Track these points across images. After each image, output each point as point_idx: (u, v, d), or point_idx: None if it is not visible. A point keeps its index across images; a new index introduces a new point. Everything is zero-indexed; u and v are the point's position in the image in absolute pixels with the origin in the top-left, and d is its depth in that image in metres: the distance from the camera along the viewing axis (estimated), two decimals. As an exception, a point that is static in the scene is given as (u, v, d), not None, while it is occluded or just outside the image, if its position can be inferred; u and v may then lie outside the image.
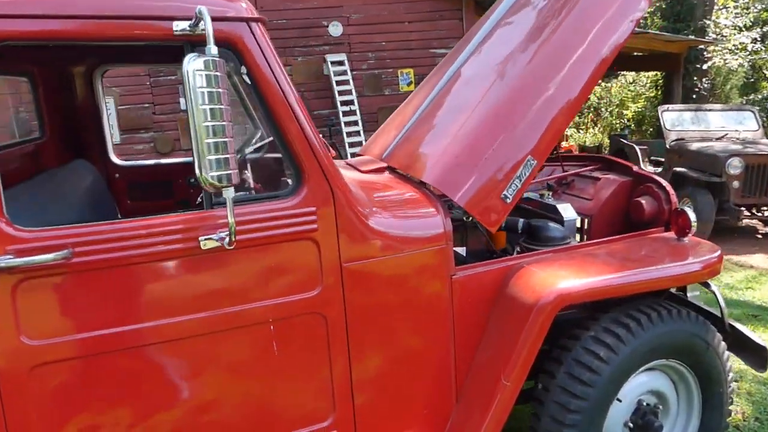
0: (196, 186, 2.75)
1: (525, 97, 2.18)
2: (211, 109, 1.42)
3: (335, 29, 8.72)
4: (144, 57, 3.16)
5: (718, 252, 2.28)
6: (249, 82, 1.76)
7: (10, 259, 1.52)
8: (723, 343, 2.30)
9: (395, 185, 2.31)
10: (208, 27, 1.44)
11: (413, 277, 2.04)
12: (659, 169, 7.73)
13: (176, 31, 1.61)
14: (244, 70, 1.75)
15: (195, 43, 1.62)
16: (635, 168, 2.81)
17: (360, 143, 8.60)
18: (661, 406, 2.29)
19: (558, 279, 2.04)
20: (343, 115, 8.54)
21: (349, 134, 8.55)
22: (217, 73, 1.43)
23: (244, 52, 1.72)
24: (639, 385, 2.23)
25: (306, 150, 1.82)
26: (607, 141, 12.82)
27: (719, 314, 2.46)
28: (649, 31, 10.71)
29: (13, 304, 1.55)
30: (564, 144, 12.11)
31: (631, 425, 2.23)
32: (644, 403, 2.25)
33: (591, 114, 15.53)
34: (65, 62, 2.76)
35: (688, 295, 2.55)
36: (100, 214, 2.34)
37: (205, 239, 1.68)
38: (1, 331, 1.54)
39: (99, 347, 1.64)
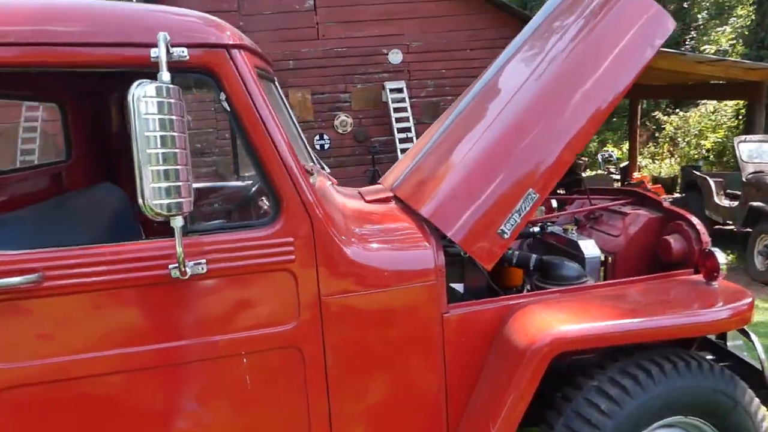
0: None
1: (528, 128, 2.06)
2: (161, 136, 1.41)
3: (395, 57, 8.79)
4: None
5: (749, 299, 2.03)
6: (228, 109, 1.75)
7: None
8: (756, 401, 2.04)
9: (394, 216, 2.22)
10: (161, 54, 1.43)
11: (399, 313, 1.93)
12: (735, 203, 7.19)
13: (152, 57, 1.62)
14: (223, 96, 1.74)
15: (172, 68, 1.63)
16: (665, 204, 2.58)
17: (415, 170, 8.57)
18: (679, 470, 2.05)
19: (556, 322, 1.88)
20: (400, 142, 8.54)
21: (404, 161, 8.53)
22: (171, 100, 1.42)
23: (222, 78, 1.72)
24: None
25: (284, 179, 1.78)
26: (683, 172, 12.12)
27: (760, 367, 2.20)
28: (728, 58, 10.09)
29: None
30: (636, 174, 11.55)
31: None
32: None
33: (667, 144, 14.76)
34: (95, 88, 2.88)
35: (729, 344, 2.30)
36: (118, 236, 2.39)
37: (174, 268, 1.66)
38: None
39: (65, 374, 1.65)
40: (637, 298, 2.08)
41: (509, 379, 1.85)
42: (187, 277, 1.60)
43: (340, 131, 8.83)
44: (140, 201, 1.39)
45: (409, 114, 8.61)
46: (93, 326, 1.67)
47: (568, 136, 2.03)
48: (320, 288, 1.84)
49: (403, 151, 8.55)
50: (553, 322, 1.88)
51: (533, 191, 2.01)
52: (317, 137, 8.76)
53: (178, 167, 1.42)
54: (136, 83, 1.40)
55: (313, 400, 1.86)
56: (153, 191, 1.38)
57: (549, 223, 2.81)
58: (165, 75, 1.42)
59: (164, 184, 1.40)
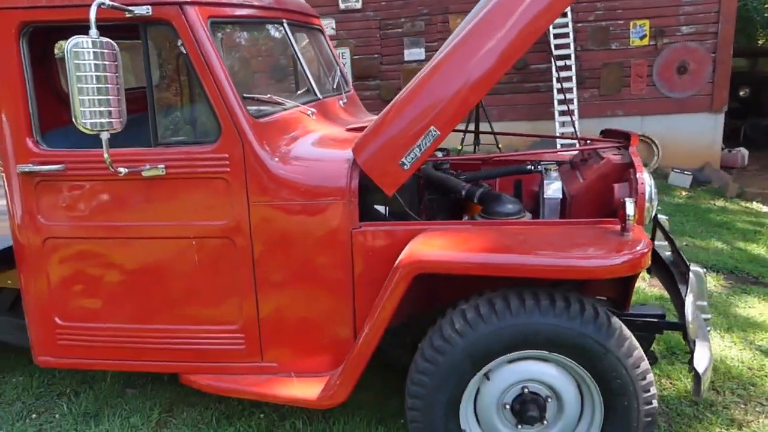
0: None
1: (440, 71, 2.22)
2: (97, 76, 2.01)
3: (562, -22, 8.27)
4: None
5: (645, 249, 2.01)
6: (183, 52, 2.29)
7: (32, 166, 2.40)
8: (636, 354, 2.06)
9: (342, 144, 2.57)
10: (91, 14, 1.99)
11: (313, 223, 2.36)
12: None
13: (127, 14, 2.21)
14: (179, 42, 2.28)
15: (143, 21, 2.23)
16: (632, 149, 2.48)
17: (571, 101, 8.21)
18: (550, 400, 2.20)
19: (428, 247, 2.14)
20: (557, 71, 8.21)
21: (560, 90, 8.21)
22: (103, 51, 2.00)
23: (176, 28, 2.25)
24: (524, 372, 2.18)
25: (223, 110, 2.30)
26: None
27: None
28: None
29: (36, 196, 2.44)
30: None
31: (510, 408, 2.22)
32: (527, 391, 2.19)
33: None
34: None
35: (689, 302, 2.25)
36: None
37: (146, 169, 2.32)
38: (27, 214, 2.46)
39: (81, 233, 2.46)
40: (534, 238, 2.19)
41: (384, 291, 2.18)
42: (121, 175, 2.24)
43: (499, 57, 8.75)
44: (74, 121, 2.02)
45: (570, 40, 8.16)
46: (97, 204, 2.44)
47: (472, 78, 2.15)
48: (248, 194, 2.35)
49: (560, 79, 8.21)
50: (425, 247, 2.15)
51: (434, 128, 2.21)
52: (475, 63, 8.81)
53: (110, 97, 2.02)
54: (71, 38, 1.99)
55: (243, 282, 2.43)
56: (85, 114, 2.00)
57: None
58: (94, 31, 1.99)
59: (95, 109, 2.01)
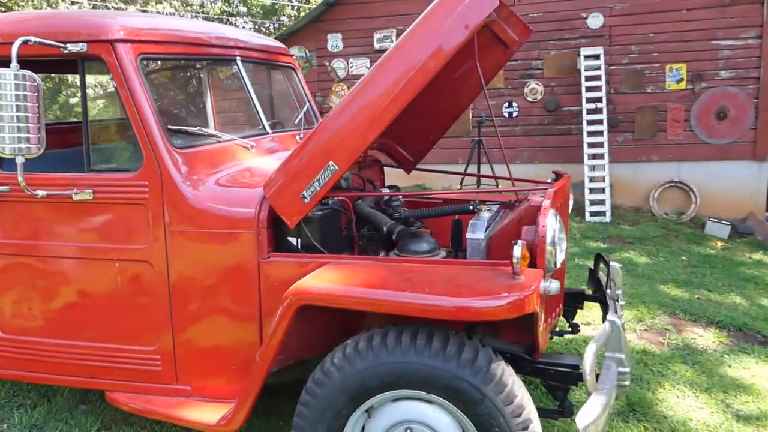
0: None
1: (344, 107, 2.27)
2: (17, 105, 2.19)
3: (595, 21, 8.19)
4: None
5: (528, 292, 1.95)
6: (114, 86, 2.47)
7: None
8: (518, 402, 1.98)
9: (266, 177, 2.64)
10: (13, 50, 2.18)
11: (223, 251, 2.44)
12: None
13: (63, 51, 2.42)
14: (109, 76, 2.46)
15: (80, 56, 2.43)
16: (549, 191, 2.41)
17: (602, 144, 8.00)
18: (434, 444, 2.13)
19: (316, 280, 2.16)
20: (587, 113, 8.05)
21: (590, 134, 8.03)
22: (25, 83, 2.19)
23: (107, 64, 2.44)
24: (406, 412, 2.12)
25: (144, 139, 2.44)
26: None
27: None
28: None
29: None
30: None
31: None
32: None
33: None
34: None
35: (588, 353, 2.16)
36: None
37: (75, 193, 2.49)
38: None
39: (13, 250, 2.66)
40: (422, 277, 2.16)
41: (273, 323, 2.21)
42: (38, 198, 2.40)
43: (530, 99, 8.69)
44: None
45: (602, 83, 8.01)
46: (28, 224, 2.63)
47: (366, 112, 2.19)
48: (165, 220, 2.46)
49: (591, 122, 8.04)
50: (313, 280, 2.17)
51: (333, 163, 2.25)
52: (506, 105, 8.79)
53: (29, 125, 2.20)
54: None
55: (159, 304, 2.53)
56: (1, 139, 2.19)
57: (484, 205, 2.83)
58: (14, 65, 2.19)
59: (15, 135, 2.19)
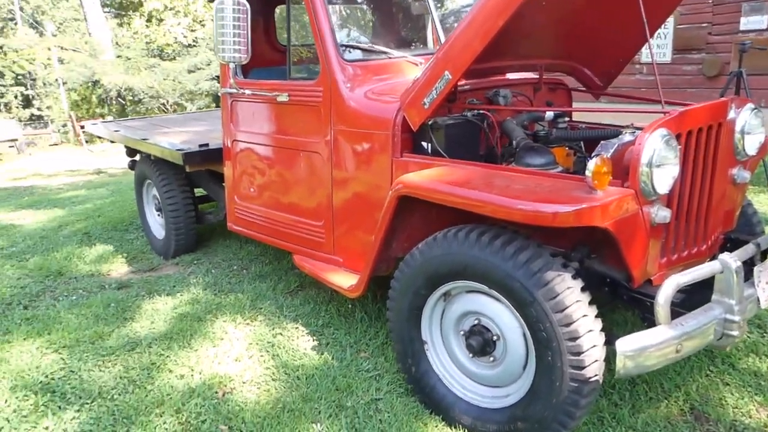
0: None
1: (465, 19, 2.42)
2: (234, 25, 2.93)
3: None
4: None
5: (596, 203, 1.94)
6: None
7: (227, 89, 3.56)
8: (570, 311, 2.00)
9: None
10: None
11: (369, 149, 2.88)
12: None
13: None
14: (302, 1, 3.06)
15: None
16: (674, 111, 2.16)
17: None
18: (497, 338, 2.28)
19: (419, 177, 2.45)
20: None
21: None
22: (239, 7, 2.90)
23: (301, -10, 3.03)
24: (477, 304, 2.32)
25: (321, 53, 3.01)
26: None
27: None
28: None
29: (230, 110, 3.61)
30: None
31: (464, 336, 2.40)
32: (477, 324, 2.33)
33: None
34: None
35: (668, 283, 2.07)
36: None
37: (278, 95, 3.23)
38: (225, 123, 3.66)
39: (245, 138, 3.55)
40: (506, 182, 2.26)
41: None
42: (246, 95, 3.15)
43: None
44: (215, 54, 2.99)
45: None
46: (254, 118, 3.47)
47: (479, 25, 2.30)
48: (332, 120, 3.02)
49: None
50: (416, 176, 2.47)
51: (448, 73, 2.45)
52: None
53: (239, 39, 2.93)
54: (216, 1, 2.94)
55: (325, 184, 3.13)
56: (221, 50, 2.96)
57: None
58: (231, -7, 2.90)
59: (230, 47, 2.96)
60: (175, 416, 2.57)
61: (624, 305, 2.45)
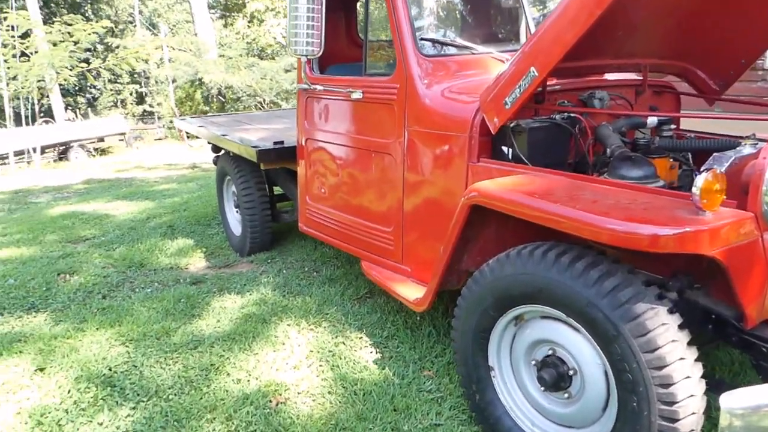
0: None
1: (554, 13, 2.14)
2: (308, 17, 2.80)
3: None
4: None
5: (702, 227, 1.62)
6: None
7: (302, 84, 3.45)
8: (662, 352, 1.69)
9: None
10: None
11: (444, 151, 2.65)
12: None
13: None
14: (382, -7, 2.88)
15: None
16: None
17: None
18: (573, 373, 1.99)
19: (496, 185, 2.19)
20: None
21: None
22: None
23: (380, -18, 2.86)
24: (552, 332, 2.04)
25: (397, 46, 2.81)
26: None
27: None
28: None
29: (305, 107, 3.51)
30: None
31: (536, 366, 2.12)
32: (552, 355, 2.04)
33: None
34: None
35: None
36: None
37: (352, 91, 3.08)
38: (300, 119, 3.56)
39: (318, 136, 3.43)
40: (597, 197, 1.95)
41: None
42: (318, 91, 3.02)
43: None
44: (288, 48, 2.87)
45: None
46: (326, 115, 3.34)
47: (564, 16, 2.02)
48: (407, 120, 2.82)
49: None
50: (492, 184, 2.21)
51: (534, 69, 2.17)
52: None
53: (313, 32, 2.80)
54: None
55: (396, 189, 2.93)
56: (295, 43, 2.83)
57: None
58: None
59: (299, 39, 2.82)
60: (224, 423, 2.47)
61: (732, 346, 2.07)
